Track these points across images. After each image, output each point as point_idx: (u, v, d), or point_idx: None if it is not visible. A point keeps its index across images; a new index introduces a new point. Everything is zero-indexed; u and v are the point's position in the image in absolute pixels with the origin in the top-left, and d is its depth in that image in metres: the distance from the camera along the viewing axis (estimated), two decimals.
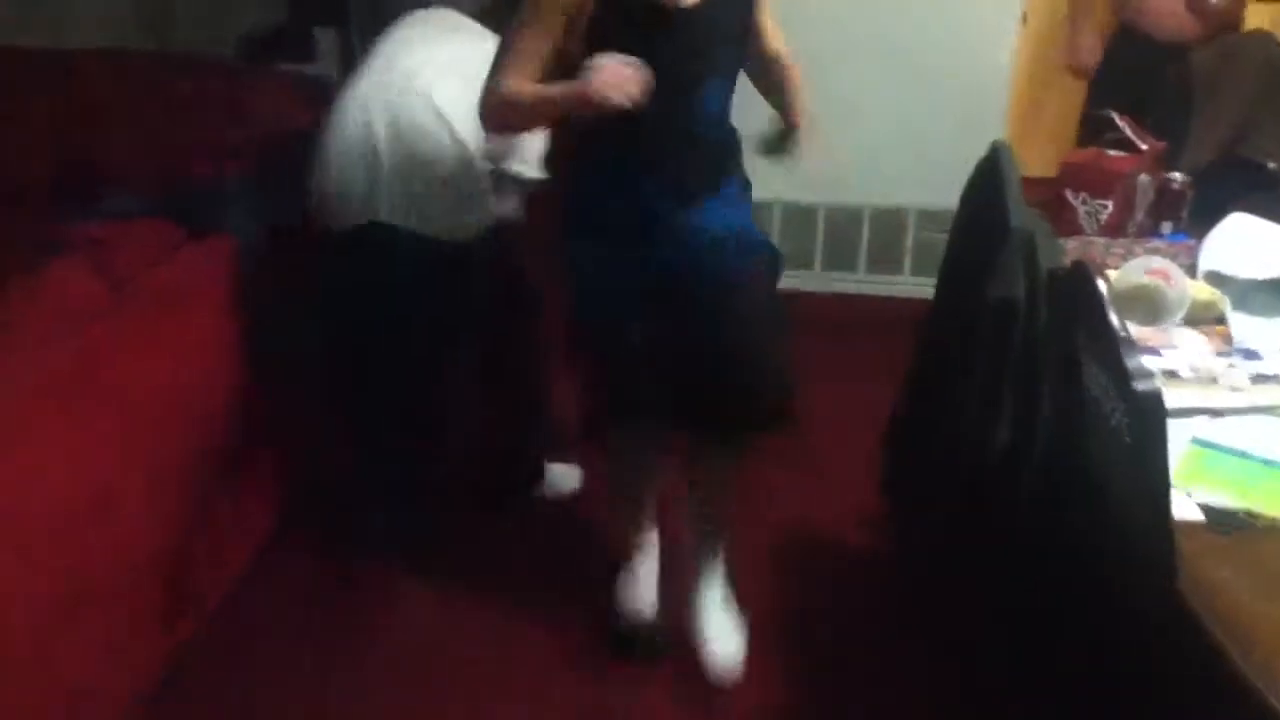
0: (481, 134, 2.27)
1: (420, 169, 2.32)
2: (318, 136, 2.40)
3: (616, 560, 2.41)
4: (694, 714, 2.20)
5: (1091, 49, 3.59)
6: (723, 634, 2.28)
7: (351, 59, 3.30)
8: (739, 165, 2.10)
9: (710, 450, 2.24)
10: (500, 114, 1.98)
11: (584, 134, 2.00)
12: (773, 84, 2.10)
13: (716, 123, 2.04)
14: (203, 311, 2.19)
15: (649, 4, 1.88)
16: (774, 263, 2.22)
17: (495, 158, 2.41)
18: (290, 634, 2.41)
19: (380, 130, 2.32)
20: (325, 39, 4.03)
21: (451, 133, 2.33)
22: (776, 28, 2.16)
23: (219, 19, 4.19)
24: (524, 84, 1.90)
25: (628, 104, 1.77)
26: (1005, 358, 1.68)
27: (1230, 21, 3.42)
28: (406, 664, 2.33)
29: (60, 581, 1.81)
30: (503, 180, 2.45)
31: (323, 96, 3.07)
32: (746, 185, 2.13)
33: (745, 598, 2.36)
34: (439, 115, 2.32)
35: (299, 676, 2.28)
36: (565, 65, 1.88)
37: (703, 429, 2.19)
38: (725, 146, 2.06)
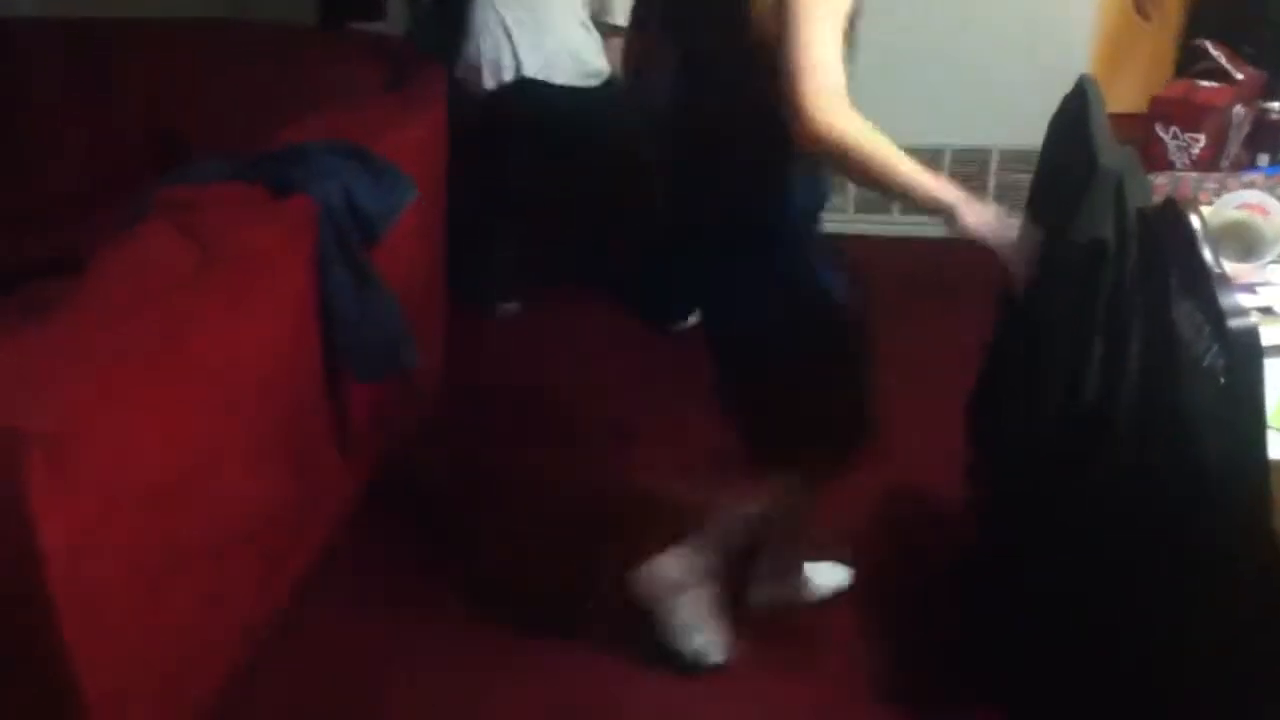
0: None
1: (549, 33, 3.24)
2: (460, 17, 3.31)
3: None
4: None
5: None
6: None
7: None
8: None
9: None
10: (840, 152, 1.65)
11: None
12: None
13: None
14: (290, 273, 2.22)
15: None
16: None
17: (596, 13, 3.32)
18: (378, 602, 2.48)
19: (512, 6, 3.23)
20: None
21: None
22: None
23: None
24: (880, 139, 1.65)
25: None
26: (1094, 301, 1.63)
27: None
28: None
29: (160, 545, 1.88)
30: (604, 30, 3.31)
31: (394, 54, 3.14)
32: None
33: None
34: None
35: (386, 643, 2.36)
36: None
37: None
38: None
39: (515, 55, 3.26)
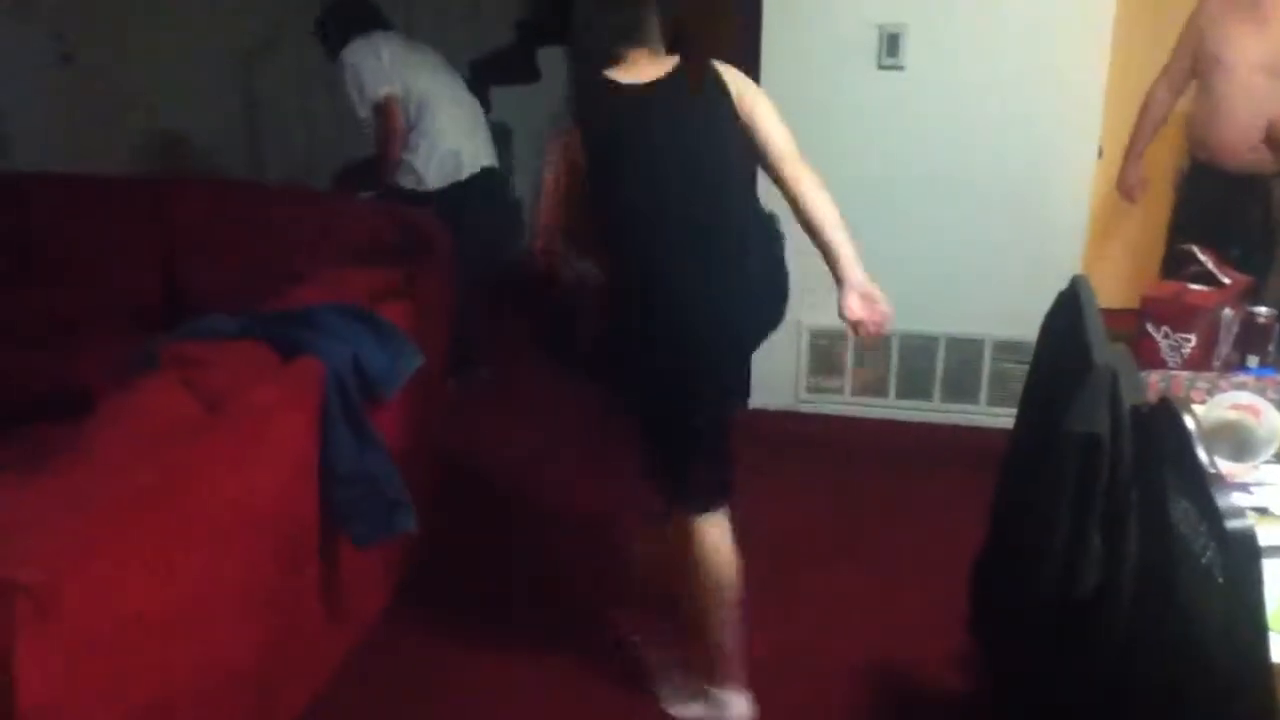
0: None
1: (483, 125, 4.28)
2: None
3: None
4: None
5: (1138, 183, 3.72)
6: None
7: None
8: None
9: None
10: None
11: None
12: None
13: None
14: (292, 433, 2.24)
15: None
16: None
17: None
18: None
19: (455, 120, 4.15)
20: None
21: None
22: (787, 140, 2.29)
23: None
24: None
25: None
26: (1091, 496, 1.65)
27: None
28: None
29: (148, 690, 1.84)
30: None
31: (403, 219, 3.26)
32: None
33: None
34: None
35: None
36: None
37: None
38: None
39: (459, 159, 4.10)
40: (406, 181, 4.10)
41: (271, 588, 2.22)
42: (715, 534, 2.37)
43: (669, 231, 2.24)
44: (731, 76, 2.29)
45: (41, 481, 1.75)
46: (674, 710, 2.54)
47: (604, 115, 2.25)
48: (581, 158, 2.22)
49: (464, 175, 4.14)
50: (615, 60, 2.26)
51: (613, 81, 2.25)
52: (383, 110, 3.93)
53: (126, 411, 2.02)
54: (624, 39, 2.26)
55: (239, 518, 2.07)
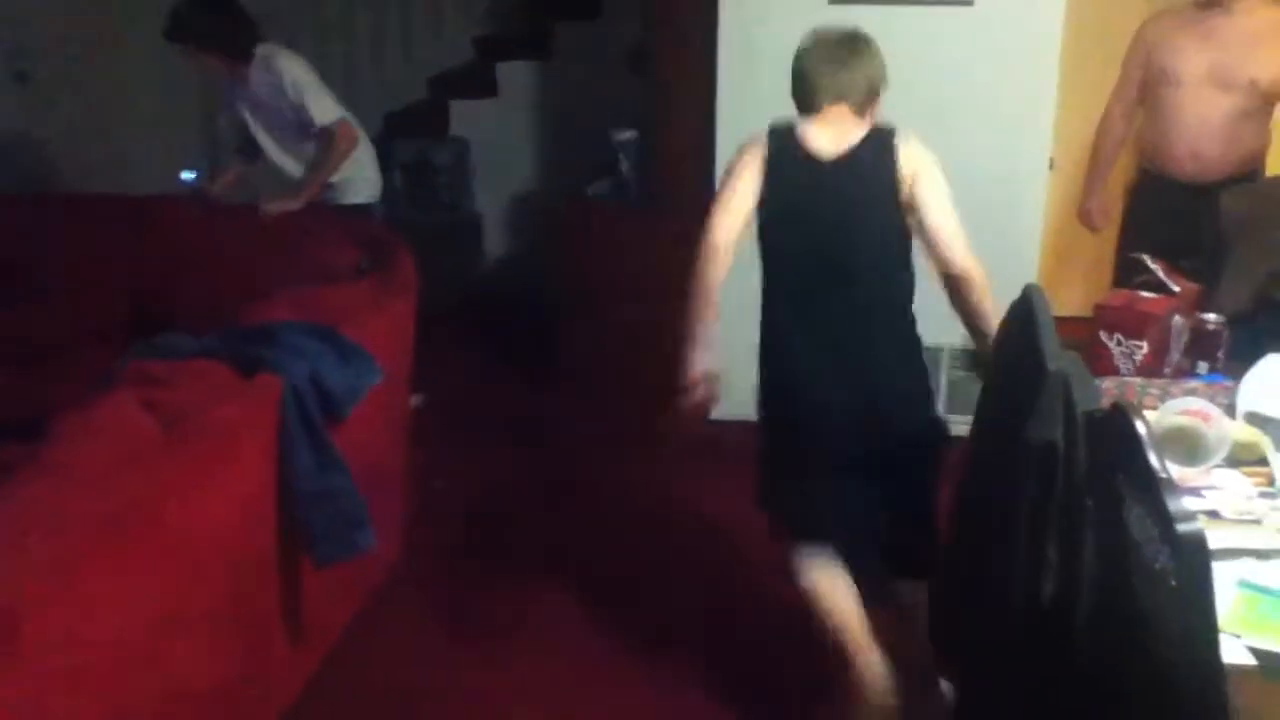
0: None
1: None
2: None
3: None
4: None
5: (1101, 211, 3.74)
6: None
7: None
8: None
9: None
10: (692, 276, 2.38)
11: None
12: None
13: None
14: (252, 450, 2.22)
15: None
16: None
17: None
18: None
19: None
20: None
21: None
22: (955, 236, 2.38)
23: None
24: (709, 288, 2.35)
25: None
26: (1046, 501, 1.67)
27: (1255, 162, 3.51)
28: None
29: (109, 714, 1.82)
30: None
31: (369, 237, 3.24)
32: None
33: None
34: None
35: None
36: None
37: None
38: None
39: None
40: (360, 195, 4.06)
41: (234, 608, 2.19)
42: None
43: (808, 284, 2.41)
44: (908, 155, 2.37)
45: None
46: None
47: (787, 175, 2.38)
48: (758, 190, 2.38)
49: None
50: (817, 111, 2.38)
51: (804, 148, 2.36)
52: (340, 131, 3.89)
53: (84, 432, 2.00)
54: (834, 97, 2.36)
55: (199, 538, 2.04)
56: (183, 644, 2.01)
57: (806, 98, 2.38)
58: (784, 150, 2.37)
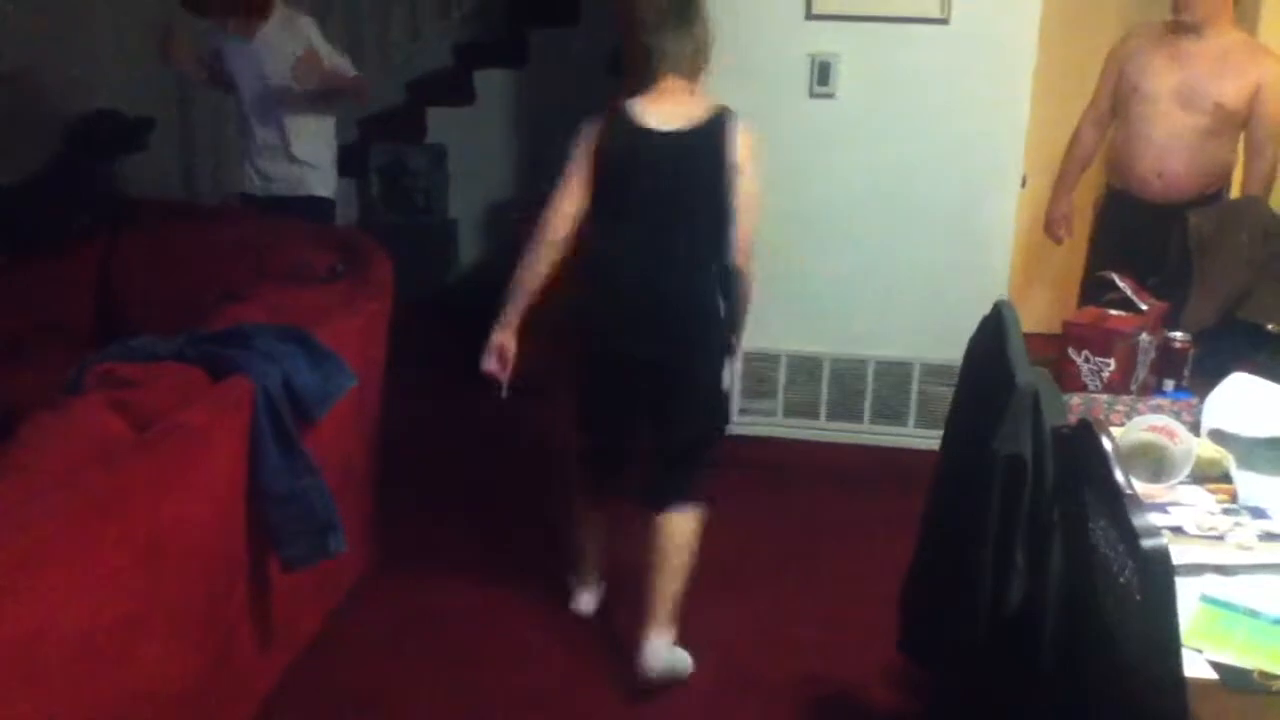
0: None
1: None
2: None
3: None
4: None
5: (1063, 221, 3.80)
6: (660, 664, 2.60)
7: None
8: None
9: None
10: (524, 249, 2.58)
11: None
12: None
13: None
14: (222, 453, 2.21)
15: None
16: None
17: None
18: None
19: None
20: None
21: None
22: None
23: None
24: (539, 263, 2.55)
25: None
26: (1014, 514, 1.69)
27: (1221, 182, 3.57)
28: None
29: (79, 712, 1.81)
30: None
31: (344, 241, 3.23)
32: None
33: None
34: None
35: None
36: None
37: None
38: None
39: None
40: (327, 189, 4.01)
41: (203, 610, 2.18)
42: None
43: (641, 235, 2.53)
44: (744, 141, 2.50)
45: None
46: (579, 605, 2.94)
47: (626, 148, 2.47)
48: (596, 166, 2.50)
49: None
50: (655, 85, 2.46)
51: (643, 125, 2.44)
52: (367, 84, 4.02)
53: (53, 433, 1.98)
54: (672, 68, 2.44)
55: (167, 539, 2.03)
56: (150, 645, 2.00)
57: (651, 76, 2.49)
58: (620, 133, 2.48)
